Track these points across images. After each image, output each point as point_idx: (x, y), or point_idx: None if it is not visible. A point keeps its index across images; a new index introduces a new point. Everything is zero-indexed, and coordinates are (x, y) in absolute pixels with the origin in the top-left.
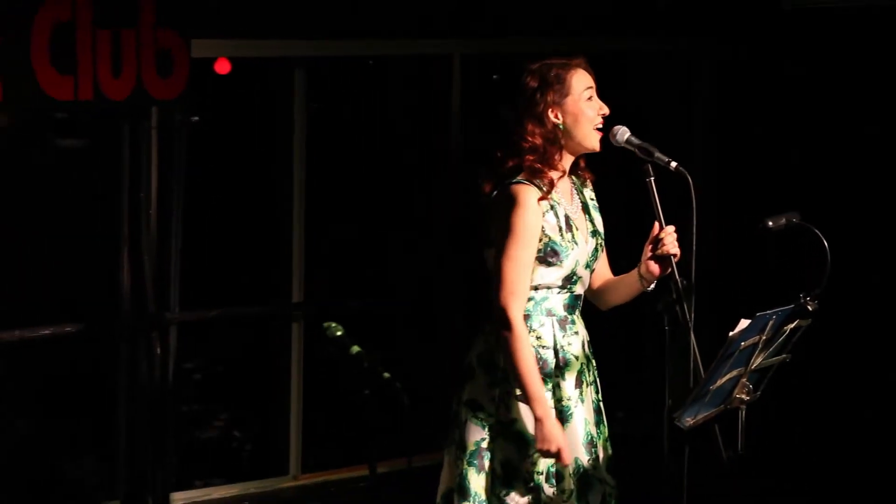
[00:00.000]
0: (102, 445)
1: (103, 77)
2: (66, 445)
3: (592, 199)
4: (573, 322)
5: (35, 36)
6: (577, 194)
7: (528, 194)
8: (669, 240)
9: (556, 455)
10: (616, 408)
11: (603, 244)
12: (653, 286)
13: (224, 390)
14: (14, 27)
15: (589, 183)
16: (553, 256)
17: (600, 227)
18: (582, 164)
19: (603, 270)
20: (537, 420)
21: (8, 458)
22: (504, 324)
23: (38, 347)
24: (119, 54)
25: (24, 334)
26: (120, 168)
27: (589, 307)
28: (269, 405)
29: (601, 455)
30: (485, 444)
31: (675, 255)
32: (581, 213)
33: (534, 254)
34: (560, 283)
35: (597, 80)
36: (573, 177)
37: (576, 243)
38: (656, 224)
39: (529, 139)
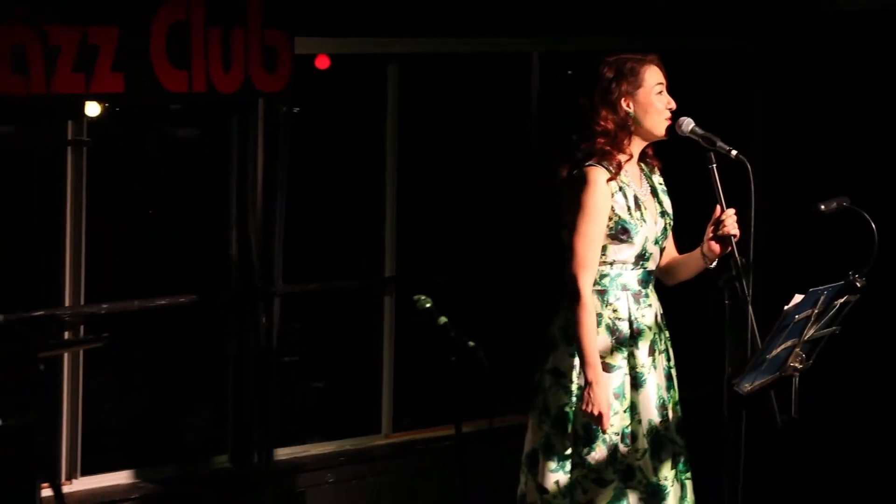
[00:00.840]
0: (213, 406)
1: (214, 72)
2: (180, 405)
3: (661, 184)
4: (647, 296)
5: (154, 34)
6: (646, 179)
7: (597, 175)
8: (730, 221)
9: (598, 419)
10: (681, 374)
11: (671, 224)
12: (714, 264)
13: (322, 357)
14: (134, 26)
15: (657, 169)
16: (624, 234)
17: (669, 209)
18: (650, 152)
19: (669, 249)
20: (587, 383)
21: (128, 418)
22: (573, 292)
23: (156, 316)
24: (229, 51)
25: (142, 304)
26: (229, 155)
27: (658, 283)
28: (364, 370)
29: (672, 417)
30: (567, 408)
31: (734, 236)
32: (650, 196)
33: (603, 230)
34: (633, 261)
35: (667, 78)
36: (642, 164)
37: (644, 221)
38: (718, 207)
39: (602, 124)
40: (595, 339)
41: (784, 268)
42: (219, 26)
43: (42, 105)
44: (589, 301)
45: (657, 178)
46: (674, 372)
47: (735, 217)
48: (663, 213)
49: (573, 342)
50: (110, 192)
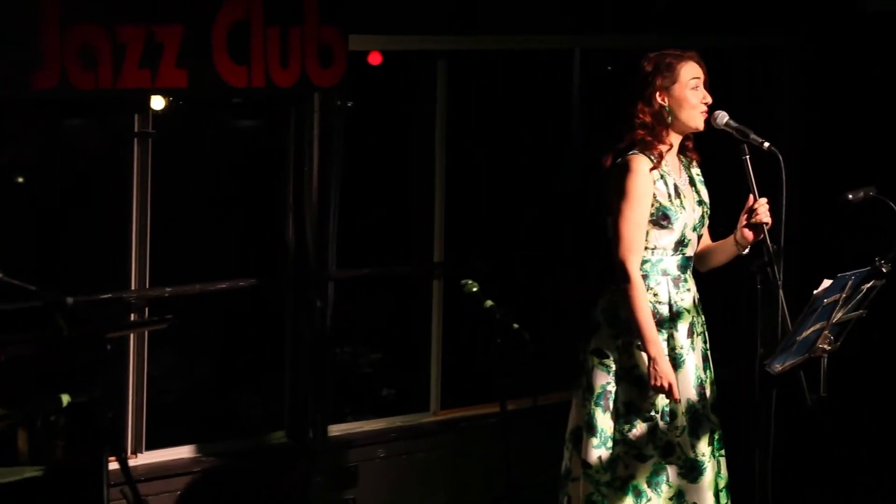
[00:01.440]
0: (270, 384)
1: (273, 67)
2: (239, 384)
3: (698, 175)
4: (685, 280)
5: (215, 32)
6: (685, 170)
7: (640, 163)
8: (762, 210)
9: (668, 391)
10: (715, 355)
11: (708, 213)
12: (747, 250)
13: (374, 338)
14: (197, 24)
15: (695, 162)
16: (664, 220)
17: (706, 199)
18: (689, 145)
19: (704, 237)
20: (651, 359)
21: (188, 395)
22: (623, 276)
23: (216, 299)
24: (287, 48)
25: (203, 288)
26: (286, 146)
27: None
28: (414, 351)
29: (708, 396)
30: (610, 388)
31: (766, 224)
32: (688, 186)
33: (646, 215)
34: (673, 247)
35: (707, 73)
36: (681, 155)
37: (683, 209)
38: (751, 196)
39: (641, 116)
40: (650, 316)
41: (813, 254)
42: (277, 25)
43: (110, 99)
44: (639, 281)
45: (695, 170)
46: (709, 353)
47: (767, 206)
48: (700, 203)
49: (615, 324)
50: (174, 182)
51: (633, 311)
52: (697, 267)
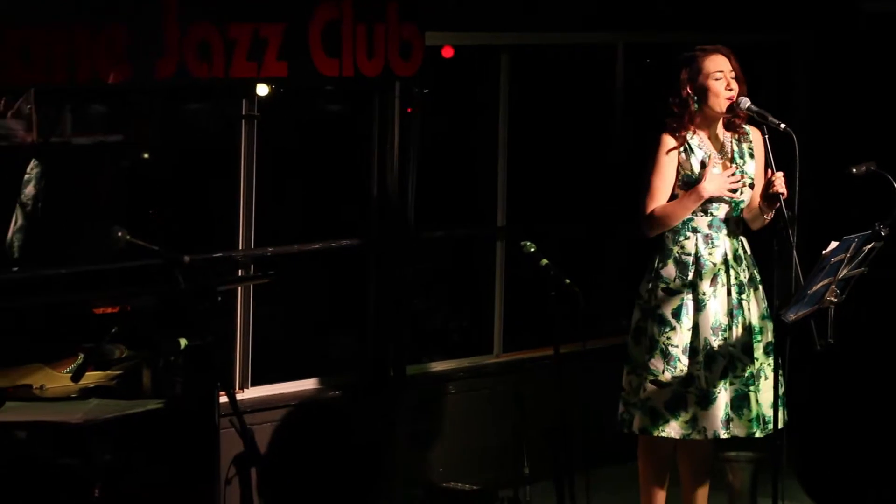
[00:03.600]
0: (357, 329)
1: (360, 59)
2: (330, 330)
3: (749, 150)
4: (717, 238)
5: (312, 29)
6: (733, 145)
7: (664, 140)
8: (779, 182)
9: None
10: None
11: (750, 183)
12: (769, 217)
13: (447, 289)
14: (296, 23)
15: (744, 138)
16: (686, 186)
17: (749, 171)
18: (738, 122)
19: (752, 204)
20: (701, 189)
21: (287, 339)
22: (643, 216)
23: (311, 257)
24: (372, 43)
25: (301, 248)
26: (371, 126)
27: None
28: (479, 302)
29: (737, 338)
30: (641, 324)
31: (783, 194)
32: (725, 159)
33: (669, 182)
34: (701, 208)
35: (738, 65)
36: (729, 131)
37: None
38: (769, 170)
39: (672, 102)
40: (678, 200)
41: (822, 219)
42: (364, 23)
43: (222, 87)
44: (655, 209)
45: (745, 146)
46: (752, 302)
47: (783, 179)
48: (739, 172)
49: (647, 271)
50: (275, 157)
51: (672, 213)
52: (750, 227)
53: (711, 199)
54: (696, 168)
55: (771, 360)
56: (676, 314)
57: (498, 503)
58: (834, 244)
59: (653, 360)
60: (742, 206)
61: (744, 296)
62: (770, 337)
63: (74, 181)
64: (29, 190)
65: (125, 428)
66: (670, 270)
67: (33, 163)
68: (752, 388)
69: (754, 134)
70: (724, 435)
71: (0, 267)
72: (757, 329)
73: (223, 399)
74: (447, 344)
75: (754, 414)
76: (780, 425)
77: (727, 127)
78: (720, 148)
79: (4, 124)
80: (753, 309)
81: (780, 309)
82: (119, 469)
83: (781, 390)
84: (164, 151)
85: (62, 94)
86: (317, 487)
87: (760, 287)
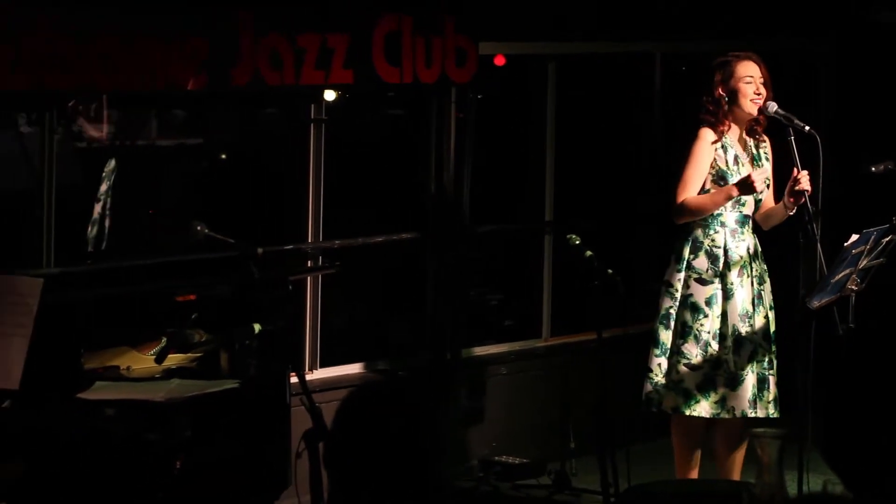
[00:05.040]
0: (416, 315)
1: (419, 67)
2: (392, 316)
3: (765, 153)
4: (742, 233)
5: (375, 40)
6: (753, 148)
7: (704, 134)
8: (804, 180)
9: (749, 180)
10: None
11: (768, 183)
12: (793, 212)
13: (498, 280)
14: (361, 34)
15: (762, 143)
16: (722, 181)
17: (768, 172)
18: (758, 129)
19: (768, 202)
20: (736, 187)
21: (352, 325)
22: (675, 206)
23: (374, 250)
24: (430, 52)
25: (365, 241)
26: (429, 129)
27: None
28: (529, 290)
29: (760, 325)
30: (672, 311)
31: (807, 191)
32: (749, 160)
33: (701, 175)
34: (731, 204)
35: (767, 72)
36: (751, 136)
37: (740, 174)
38: (795, 169)
39: (706, 103)
40: (710, 195)
41: (844, 214)
42: (422, 34)
43: (292, 93)
44: (687, 198)
45: (763, 149)
46: (765, 293)
47: (808, 177)
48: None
49: (679, 260)
50: (341, 157)
51: (703, 207)
52: (762, 226)
53: (740, 198)
54: (731, 163)
55: (775, 348)
56: (708, 302)
57: (546, 475)
58: (855, 237)
59: (686, 345)
60: (758, 206)
61: (762, 287)
62: (774, 326)
63: (158, 180)
64: (103, 187)
65: (204, 406)
66: (702, 262)
67: (112, 163)
68: (770, 372)
69: (768, 143)
70: (751, 414)
71: (85, 258)
72: (770, 318)
73: (294, 379)
74: (499, 329)
75: (773, 396)
76: (774, 410)
77: (748, 132)
78: (744, 149)
79: (81, 126)
80: (766, 300)
81: (805, 297)
82: (198, 444)
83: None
84: (239, 152)
85: (146, 99)
86: (379, 460)
87: (768, 281)
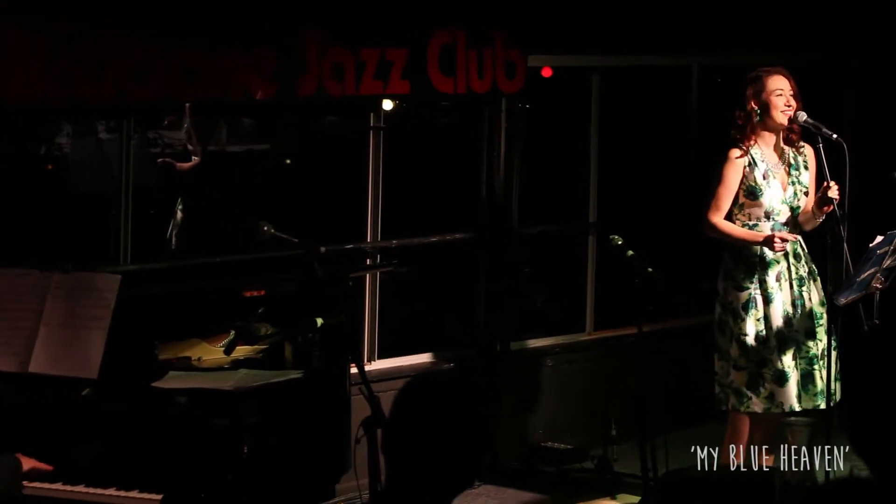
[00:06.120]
0: (468, 310)
1: (472, 78)
2: (445, 310)
3: (804, 161)
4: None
5: (430, 53)
6: (791, 157)
7: (732, 152)
8: (833, 189)
9: (780, 240)
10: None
11: (804, 191)
12: (823, 217)
13: (545, 277)
14: (417, 47)
15: (800, 151)
16: (752, 195)
17: (804, 180)
18: (794, 138)
19: (808, 206)
20: (763, 242)
21: (409, 319)
22: (707, 224)
23: (429, 250)
24: (482, 64)
25: (420, 241)
26: (481, 136)
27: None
28: (574, 287)
29: (800, 324)
30: (722, 317)
31: (835, 199)
32: (784, 170)
33: (732, 191)
34: (763, 215)
35: (795, 85)
36: (787, 146)
37: (770, 187)
38: (825, 182)
39: (738, 115)
40: (741, 231)
41: (869, 217)
42: (475, 48)
43: (353, 102)
44: (720, 222)
45: (801, 158)
46: (805, 294)
47: (836, 186)
48: (794, 182)
49: (724, 270)
50: (398, 163)
51: (729, 235)
52: (803, 227)
53: (773, 207)
54: (760, 180)
55: (822, 343)
56: (746, 307)
57: (589, 460)
58: (879, 238)
59: (732, 349)
60: (798, 211)
61: (804, 287)
62: (823, 321)
63: (228, 183)
64: (177, 190)
65: (270, 394)
66: (740, 271)
67: (188, 167)
68: (815, 366)
69: (808, 150)
70: (797, 408)
71: (159, 256)
72: (818, 315)
73: (353, 370)
74: (546, 323)
75: (819, 388)
76: (838, 397)
77: (786, 141)
78: (779, 158)
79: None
80: (814, 298)
81: (833, 294)
82: (264, 429)
83: (836, 366)
84: (303, 158)
85: (218, 108)
86: (434, 446)
87: (818, 279)
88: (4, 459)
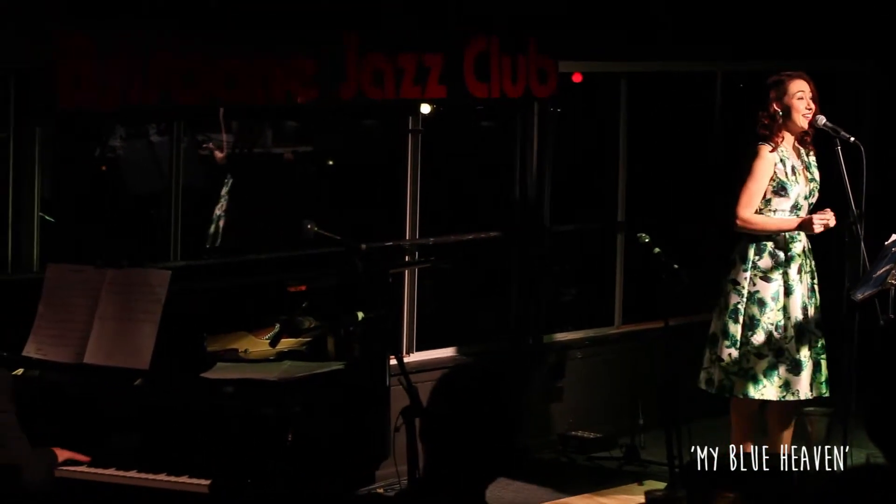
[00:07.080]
0: (502, 304)
1: (506, 84)
2: (480, 305)
3: (813, 161)
4: (797, 234)
5: (466, 59)
6: (804, 156)
7: (764, 149)
8: (830, 219)
9: (830, 218)
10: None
11: (817, 188)
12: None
13: (575, 273)
14: (453, 54)
15: (811, 152)
16: (782, 190)
17: (817, 178)
18: (807, 139)
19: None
20: (803, 225)
21: (444, 313)
22: (741, 219)
23: (464, 247)
24: (515, 70)
25: (457, 238)
26: (514, 139)
27: None
28: (603, 282)
29: (812, 315)
30: (740, 306)
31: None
32: (803, 168)
33: (763, 187)
34: (789, 209)
35: (815, 88)
36: (801, 146)
37: (797, 183)
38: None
39: (762, 117)
40: (775, 220)
41: (885, 216)
42: (509, 54)
43: (392, 106)
44: (752, 217)
45: (811, 158)
46: (816, 287)
47: (833, 218)
48: (811, 180)
49: (745, 261)
50: (436, 164)
51: (766, 227)
52: None
53: (798, 202)
54: (789, 174)
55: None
56: (774, 297)
57: (617, 448)
58: (894, 236)
59: (755, 336)
60: (812, 208)
61: (814, 281)
62: (820, 315)
63: (273, 183)
64: (223, 190)
65: (313, 385)
66: (766, 261)
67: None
68: (822, 356)
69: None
70: (810, 396)
71: (207, 253)
72: (818, 308)
73: (392, 362)
74: (575, 317)
75: (824, 377)
76: (825, 389)
77: (800, 143)
78: (797, 157)
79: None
80: (816, 292)
81: (850, 290)
82: (307, 418)
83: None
84: (344, 159)
85: (263, 112)
86: (468, 434)
87: (816, 276)
88: (42, 453)
